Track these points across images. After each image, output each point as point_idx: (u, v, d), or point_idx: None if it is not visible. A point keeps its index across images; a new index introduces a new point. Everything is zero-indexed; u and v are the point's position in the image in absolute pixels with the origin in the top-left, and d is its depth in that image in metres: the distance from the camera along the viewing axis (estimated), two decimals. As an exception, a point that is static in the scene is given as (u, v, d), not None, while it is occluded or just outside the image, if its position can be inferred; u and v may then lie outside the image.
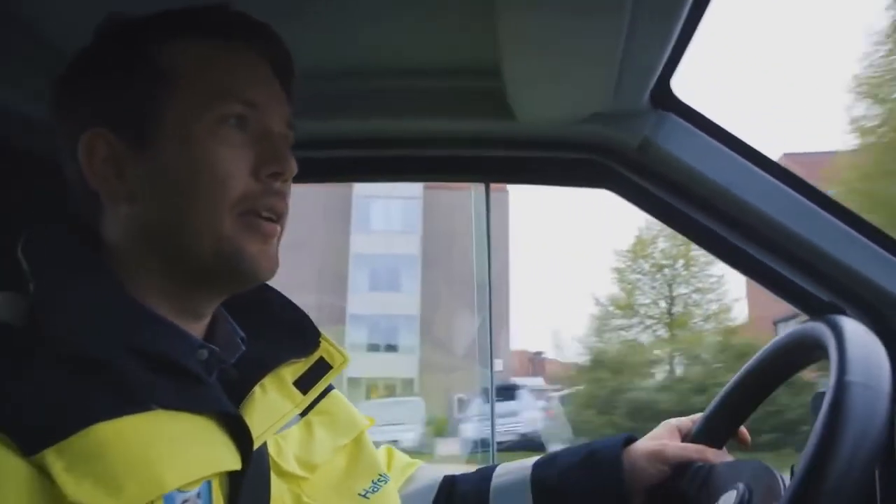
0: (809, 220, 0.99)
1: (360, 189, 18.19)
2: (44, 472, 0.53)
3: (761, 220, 1.01)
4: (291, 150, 0.72)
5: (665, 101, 1.03)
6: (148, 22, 0.69)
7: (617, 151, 1.08)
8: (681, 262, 15.30)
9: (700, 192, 1.04)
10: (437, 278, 17.90)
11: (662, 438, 0.91)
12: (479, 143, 1.12)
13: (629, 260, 15.71)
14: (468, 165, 1.16)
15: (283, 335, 0.77)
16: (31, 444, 0.53)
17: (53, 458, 0.53)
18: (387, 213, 19.42)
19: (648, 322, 15.42)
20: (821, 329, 0.72)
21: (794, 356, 0.81)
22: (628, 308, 15.41)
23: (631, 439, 0.92)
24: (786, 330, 0.82)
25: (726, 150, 1.02)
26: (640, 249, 15.65)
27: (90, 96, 0.68)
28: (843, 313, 1.00)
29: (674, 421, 0.94)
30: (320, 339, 0.79)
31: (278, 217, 0.70)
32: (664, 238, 15.32)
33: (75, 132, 0.66)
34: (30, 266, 0.64)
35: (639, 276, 15.66)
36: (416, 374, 16.97)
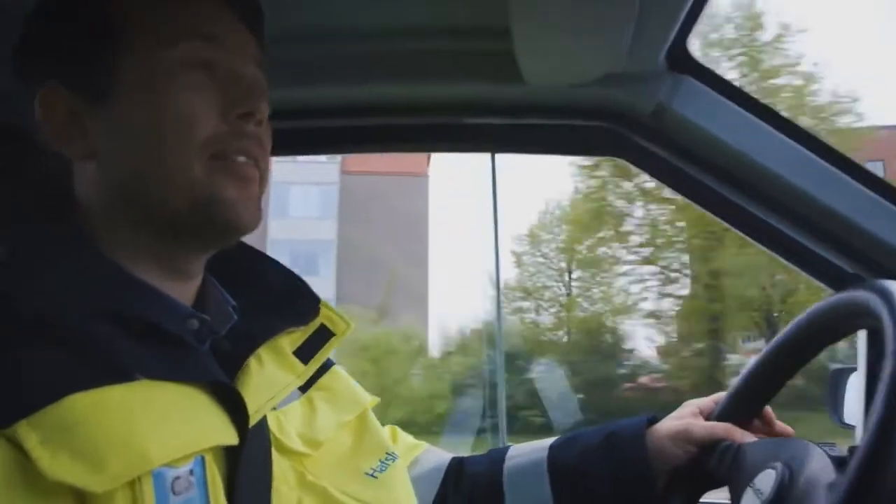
0: (834, 188, 0.94)
1: (278, 175, 18.61)
2: (17, 447, 0.48)
3: (783, 187, 0.96)
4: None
5: (682, 62, 0.97)
6: None
7: (630, 117, 1.02)
8: (584, 245, 15.40)
9: (719, 159, 0.99)
10: (352, 262, 18.43)
11: (685, 418, 0.88)
12: (486, 110, 1.06)
13: (528, 244, 15.82)
14: (474, 134, 1.10)
15: (279, 303, 0.72)
16: (2, 417, 0.49)
17: (26, 431, 0.48)
18: (304, 198, 19.66)
19: (545, 304, 15.58)
20: (867, 296, 0.67)
21: (836, 325, 0.75)
22: (524, 290, 15.54)
23: (653, 420, 0.88)
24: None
25: (747, 114, 0.97)
26: (539, 233, 15.80)
27: (42, 51, 0.64)
28: (868, 284, 0.95)
29: (695, 401, 0.90)
30: (320, 305, 0.75)
31: (255, 161, 0.65)
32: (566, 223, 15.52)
33: (34, 91, 0.63)
34: None
35: (541, 259, 15.80)
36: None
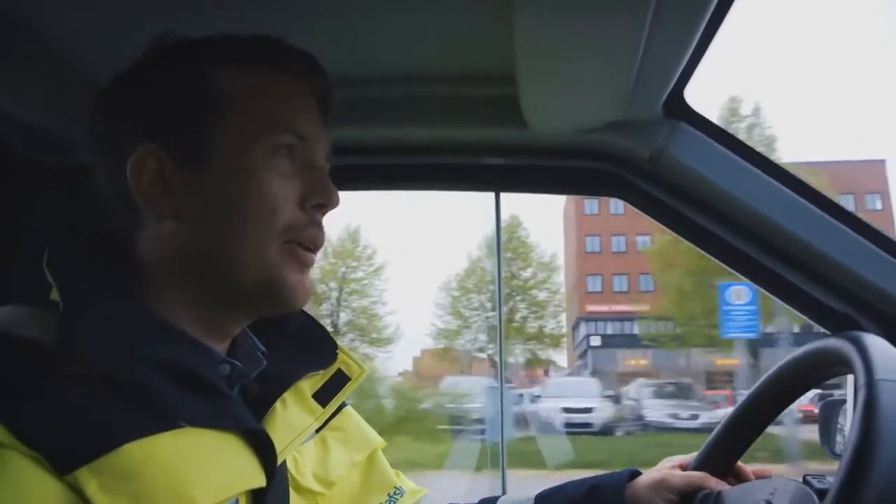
0: (823, 231, 0.99)
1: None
2: (77, 492, 0.52)
3: (774, 230, 1.01)
4: None
5: (678, 110, 1.03)
6: (202, 45, 0.69)
7: (629, 161, 1.07)
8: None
9: (713, 202, 1.04)
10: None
11: (663, 470, 0.92)
12: (491, 152, 1.12)
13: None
14: (479, 174, 1.15)
15: (302, 348, 0.77)
16: (63, 463, 0.52)
17: (87, 478, 0.52)
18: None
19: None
20: (841, 344, 0.72)
21: (813, 372, 0.80)
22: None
23: (635, 473, 0.92)
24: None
25: (740, 160, 1.02)
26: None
27: (141, 113, 0.67)
28: (858, 324, 1.00)
29: (676, 457, 0.95)
30: (338, 351, 0.79)
31: (317, 248, 0.70)
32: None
33: (124, 147, 0.65)
34: (55, 281, 0.62)
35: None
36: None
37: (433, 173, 1.16)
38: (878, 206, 22.82)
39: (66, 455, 0.52)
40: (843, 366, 0.70)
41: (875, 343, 0.68)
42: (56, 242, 0.65)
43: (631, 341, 21.54)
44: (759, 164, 1.02)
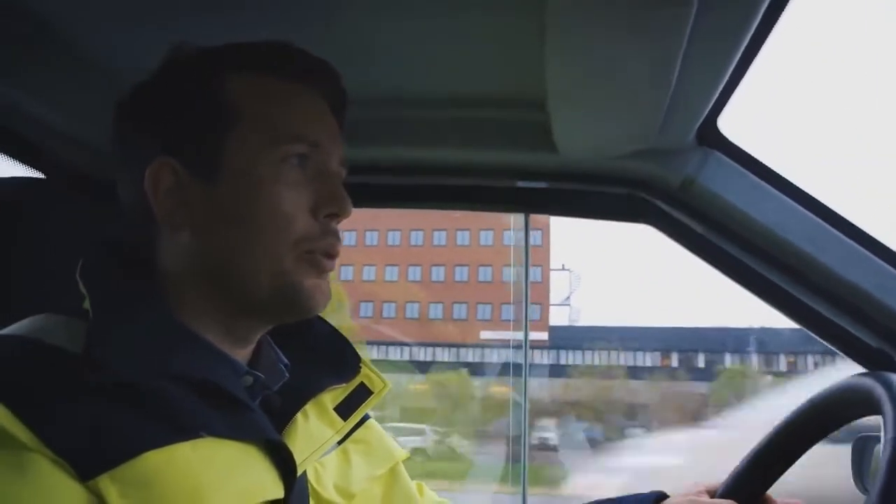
0: (857, 264, 0.97)
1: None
2: (98, 497, 0.54)
3: (807, 262, 0.99)
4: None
5: (711, 138, 1.02)
6: (214, 54, 0.70)
7: (659, 188, 1.07)
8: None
9: (744, 231, 1.02)
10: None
11: (690, 496, 0.90)
12: (521, 174, 1.12)
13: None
14: (509, 196, 1.16)
15: (324, 361, 0.77)
16: (86, 470, 0.54)
17: (107, 484, 0.54)
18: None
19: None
20: (872, 384, 0.70)
21: (841, 410, 0.79)
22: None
23: (662, 496, 0.90)
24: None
25: (772, 189, 1.01)
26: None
27: (157, 126, 0.69)
28: (893, 361, 0.97)
29: (703, 482, 0.92)
30: (361, 364, 0.79)
31: (334, 256, 0.71)
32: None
33: (141, 161, 0.67)
34: (87, 291, 0.64)
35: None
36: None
37: (464, 193, 1.17)
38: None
39: (88, 461, 0.54)
40: (872, 409, 0.69)
41: None
42: (89, 253, 0.68)
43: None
44: (792, 194, 1.01)
